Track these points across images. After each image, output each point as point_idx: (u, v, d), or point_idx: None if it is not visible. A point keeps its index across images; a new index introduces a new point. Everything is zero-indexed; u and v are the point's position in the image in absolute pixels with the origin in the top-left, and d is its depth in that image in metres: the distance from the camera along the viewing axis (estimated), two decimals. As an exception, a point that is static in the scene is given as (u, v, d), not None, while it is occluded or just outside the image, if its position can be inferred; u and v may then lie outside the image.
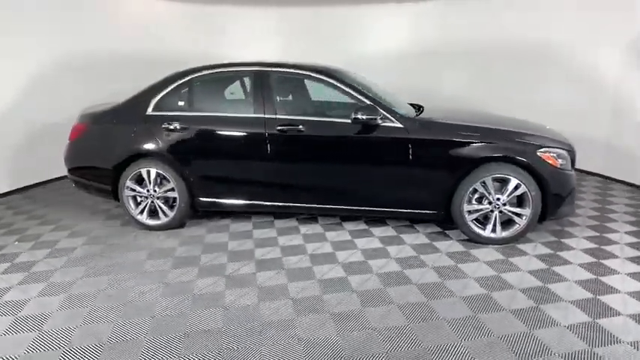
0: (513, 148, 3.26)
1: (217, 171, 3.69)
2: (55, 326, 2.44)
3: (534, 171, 3.22)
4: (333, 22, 7.12)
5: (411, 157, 3.34)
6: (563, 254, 3.23)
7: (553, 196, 3.26)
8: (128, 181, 3.75)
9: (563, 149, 3.34)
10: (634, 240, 3.45)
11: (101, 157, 3.82)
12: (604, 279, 2.86)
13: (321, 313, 2.54)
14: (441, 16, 6.79)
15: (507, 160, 3.25)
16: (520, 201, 3.32)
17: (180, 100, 3.81)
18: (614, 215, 4.00)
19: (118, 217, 4.18)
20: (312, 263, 3.17)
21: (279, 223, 3.91)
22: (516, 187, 3.25)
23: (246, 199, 3.73)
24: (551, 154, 3.25)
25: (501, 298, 2.65)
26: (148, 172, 3.72)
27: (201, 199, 3.76)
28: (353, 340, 2.28)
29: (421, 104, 4.05)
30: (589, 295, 2.68)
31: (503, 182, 3.29)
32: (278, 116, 3.54)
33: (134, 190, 3.77)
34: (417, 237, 3.58)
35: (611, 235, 3.54)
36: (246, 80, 3.81)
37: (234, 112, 3.75)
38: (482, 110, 4.41)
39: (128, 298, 2.73)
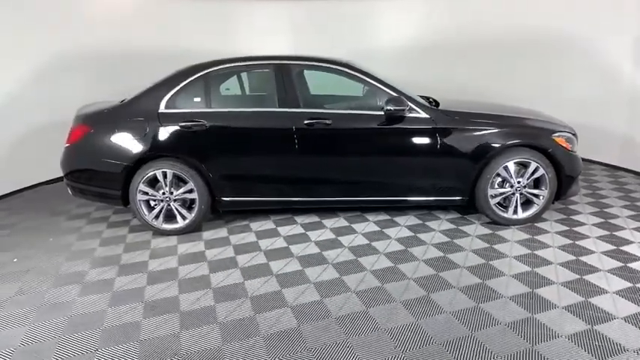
0: (532, 133, 3.49)
1: (242, 169, 3.56)
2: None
3: (550, 154, 3.47)
4: (343, 15, 7.02)
5: (439, 146, 3.45)
6: (579, 229, 3.52)
7: (566, 177, 3.54)
8: (141, 184, 3.51)
9: (570, 133, 3.63)
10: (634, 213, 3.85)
11: (109, 161, 3.53)
12: (623, 248, 3.17)
13: (391, 302, 2.57)
14: (451, 7, 6.60)
15: (526, 145, 3.47)
16: (536, 183, 3.56)
17: (197, 97, 3.62)
18: (612, 194, 4.42)
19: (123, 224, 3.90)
20: (355, 255, 3.17)
21: (301, 219, 3.85)
22: (535, 170, 3.48)
23: (272, 196, 3.64)
24: (564, 138, 3.53)
25: (548, 273, 2.84)
26: (164, 174, 3.50)
27: (223, 199, 3.61)
28: (435, 323, 2.34)
29: (430, 97, 4.18)
30: (619, 263, 2.95)
31: (523, 166, 3.51)
32: (305, 110, 3.50)
33: (147, 194, 3.54)
34: (442, 223, 3.71)
35: (611, 210, 3.91)
36: (267, 74, 3.69)
37: (258, 106, 3.64)
38: (490, 101, 4.55)
39: (183, 308, 2.58)
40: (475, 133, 3.48)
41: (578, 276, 2.80)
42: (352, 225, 3.71)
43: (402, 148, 3.51)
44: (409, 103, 3.44)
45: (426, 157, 3.50)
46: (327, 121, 3.44)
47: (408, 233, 3.52)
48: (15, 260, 3.28)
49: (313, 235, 3.55)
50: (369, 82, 3.54)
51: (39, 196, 4.83)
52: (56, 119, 4.80)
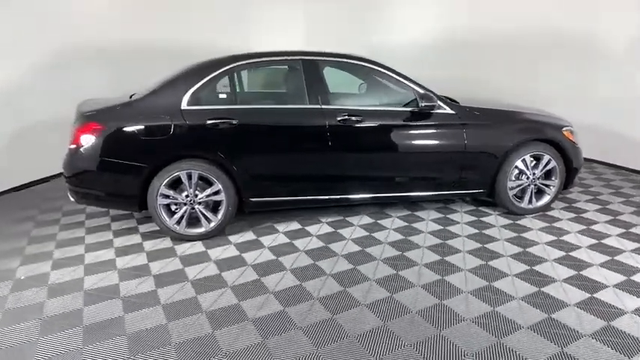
0: (546, 128, 3.73)
1: (273, 168, 3.42)
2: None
3: (561, 147, 3.74)
4: (355, 13, 6.97)
5: (465, 141, 3.57)
6: (586, 215, 3.84)
7: (573, 168, 3.84)
8: (162, 187, 3.24)
9: (572, 128, 3.94)
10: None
11: (127, 162, 3.22)
12: (633, 229, 3.51)
13: (461, 293, 2.63)
14: (468, 5, 6.56)
15: (540, 139, 3.71)
16: (547, 174, 3.81)
17: (222, 92, 3.42)
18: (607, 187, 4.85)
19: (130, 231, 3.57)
20: (399, 250, 3.19)
21: (324, 218, 3.79)
22: (547, 162, 3.74)
23: (303, 195, 3.54)
24: (570, 132, 3.82)
25: (581, 255, 3.07)
26: (189, 175, 3.27)
27: (252, 199, 3.44)
28: (509, 310, 2.43)
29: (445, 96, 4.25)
30: (636, 244, 3.27)
31: (535, 159, 3.75)
32: (337, 106, 3.44)
33: (168, 197, 3.28)
34: (463, 216, 3.84)
35: (602, 197, 4.31)
36: (295, 69, 3.58)
37: (286, 103, 3.51)
38: (494, 98, 4.69)
39: (251, 315, 2.42)
40: (496, 129, 3.65)
41: (609, 257, 3.05)
42: (379, 222, 3.72)
43: (431, 144, 3.59)
44: (437, 100, 3.54)
45: (454, 151, 3.60)
46: (359, 118, 3.42)
47: (436, 227, 3.61)
48: (22, 278, 2.88)
49: (345, 232, 3.51)
50: (397, 79, 3.57)
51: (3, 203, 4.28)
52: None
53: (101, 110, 3.28)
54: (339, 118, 3.39)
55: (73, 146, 3.22)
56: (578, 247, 3.21)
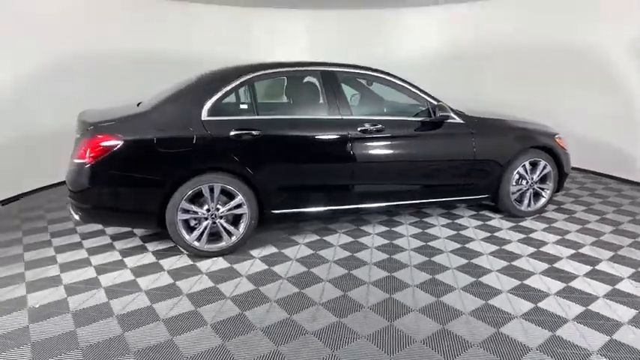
0: (543, 136, 4.02)
1: (297, 179, 3.38)
2: None
3: (554, 153, 4.04)
4: (360, 25, 6.99)
5: (474, 149, 3.76)
6: (578, 215, 4.17)
7: (564, 173, 4.16)
8: (183, 201, 3.09)
9: (561, 135, 4.27)
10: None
11: (147, 177, 3.05)
12: (622, 226, 3.86)
13: (500, 294, 2.74)
14: (475, 18, 6.64)
15: (538, 146, 3.98)
16: (542, 179, 4.09)
17: (242, 103, 3.34)
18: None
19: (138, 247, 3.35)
20: (426, 256, 3.27)
21: (337, 228, 3.80)
22: (544, 168, 4.02)
23: (324, 206, 3.52)
24: (561, 139, 4.14)
25: (591, 252, 3.32)
26: (211, 188, 3.15)
27: (273, 211, 3.37)
28: (549, 305, 2.58)
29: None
30: (630, 239, 3.60)
31: (533, 165, 4.02)
32: (357, 117, 3.49)
33: (188, 212, 3.13)
34: (468, 221, 4.01)
35: (582, 198, 4.70)
36: (314, 80, 3.57)
37: (309, 114, 3.50)
38: (491, 109, 4.75)
39: (310, 329, 2.37)
40: (501, 138, 3.89)
41: (613, 252, 3.34)
42: (394, 229, 3.79)
43: (445, 152, 3.73)
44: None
45: (465, 159, 3.77)
46: (379, 127, 3.49)
47: (450, 232, 3.74)
48: (37, 306, 2.60)
49: (366, 240, 3.55)
50: (411, 90, 3.69)
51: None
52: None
53: (115, 121, 3.08)
54: (359, 129, 3.43)
55: (81, 160, 2.98)
56: (582, 246, 3.47)
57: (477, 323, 2.41)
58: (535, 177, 4.02)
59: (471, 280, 2.90)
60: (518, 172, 3.95)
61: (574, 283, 2.86)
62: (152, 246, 3.45)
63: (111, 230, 3.73)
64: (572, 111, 5.71)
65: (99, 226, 3.79)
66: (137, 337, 2.29)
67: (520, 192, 4.03)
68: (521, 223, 3.95)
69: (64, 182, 3.43)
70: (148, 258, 3.25)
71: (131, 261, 3.20)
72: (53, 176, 5.01)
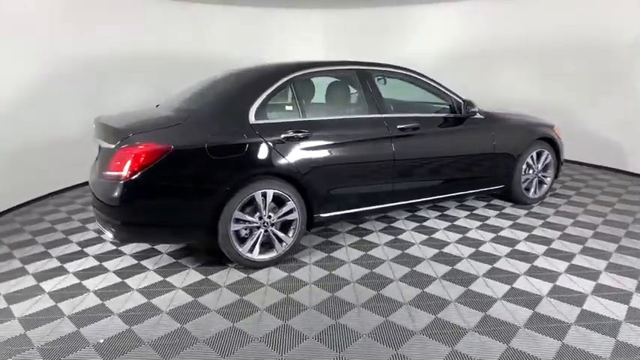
0: (545, 129, 4.35)
1: (345, 181, 3.31)
2: None
3: (554, 143, 4.40)
4: (376, 23, 6.88)
5: (494, 141, 3.97)
6: (576, 198, 4.58)
7: (561, 161, 4.55)
8: (236, 210, 2.91)
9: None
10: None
11: (200, 187, 2.82)
12: (616, 205, 4.32)
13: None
14: (490, 14, 6.54)
15: (542, 138, 4.30)
16: (544, 168, 4.44)
17: (286, 104, 3.21)
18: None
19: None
20: (470, 246, 3.40)
21: (369, 226, 3.81)
22: (547, 157, 4.37)
23: (367, 206, 3.50)
24: (557, 130, 4.52)
25: (610, 231, 3.68)
26: (264, 195, 3.00)
27: (322, 215, 3.29)
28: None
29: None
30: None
31: (537, 155, 4.34)
32: (394, 115, 3.53)
33: (241, 222, 2.96)
34: (486, 211, 4.23)
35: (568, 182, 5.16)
36: (351, 80, 3.52)
37: (351, 113, 3.45)
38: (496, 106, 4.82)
39: (415, 327, 2.36)
40: (515, 132, 4.15)
41: (624, 230, 3.73)
42: (424, 224, 3.89)
43: (472, 146, 3.89)
44: (473, 106, 3.87)
45: (487, 152, 3.96)
46: (416, 125, 3.55)
47: (477, 223, 3.91)
48: (101, 341, 2.30)
49: (406, 237, 3.60)
50: (437, 87, 3.80)
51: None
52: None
53: (160, 127, 2.82)
54: (399, 127, 3.47)
55: (121, 171, 2.68)
56: (594, 227, 3.82)
57: (511, 306, 2.58)
58: (540, 166, 4.35)
59: (528, 266, 3.08)
60: (527, 163, 4.25)
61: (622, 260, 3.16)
62: (189, 261, 3.20)
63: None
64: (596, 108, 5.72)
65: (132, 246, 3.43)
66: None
67: (528, 181, 4.33)
68: (532, 210, 4.25)
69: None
70: (233, 274, 3.01)
71: (220, 278, 2.95)
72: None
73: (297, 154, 3.07)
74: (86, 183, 5.35)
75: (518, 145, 4.13)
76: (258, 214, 3.01)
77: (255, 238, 3.02)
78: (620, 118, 5.54)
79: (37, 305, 2.63)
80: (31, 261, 3.24)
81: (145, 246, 3.47)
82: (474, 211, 4.20)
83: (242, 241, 3.01)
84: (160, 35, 5.94)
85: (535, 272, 2.98)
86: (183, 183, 2.79)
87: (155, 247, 3.45)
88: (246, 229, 3.03)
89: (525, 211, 4.21)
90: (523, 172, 4.26)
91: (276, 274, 3.03)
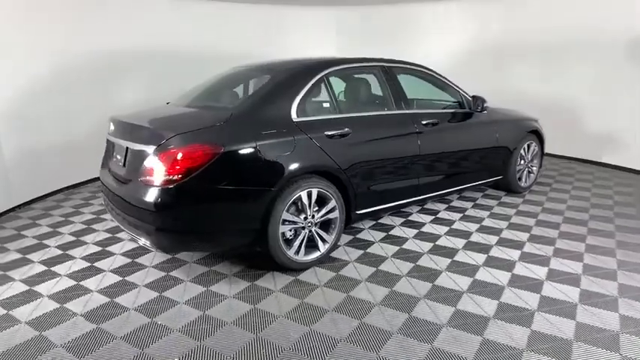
0: (533, 122, 4.69)
1: (381, 177, 3.34)
2: None
3: (539, 135, 4.78)
4: (389, 21, 6.82)
5: (497, 134, 4.22)
6: (558, 185, 5.00)
7: (544, 152, 4.94)
8: (284, 212, 2.82)
9: (538, 119, 5.03)
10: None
11: (252, 188, 2.69)
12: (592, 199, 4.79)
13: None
14: (503, 12, 6.51)
15: (531, 131, 4.65)
16: (531, 158, 4.80)
17: (323, 101, 3.15)
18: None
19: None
20: (492, 234, 3.59)
21: (389, 219, 3.88)
22: (535, 149, 4.73)
23: (397, 200, 3.55)
24: (539, 124, 4.90)
25: (599, 213, 4.08)
26: (309, 194, 2.93)
27: (358, 212, 3.29)
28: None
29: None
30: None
31: (527, 147, 4.68)
32: (418, 111, 3.64)
33: (286, 222, 2.87)
34: (486, 200, 4.49)
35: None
36: (378, 76, 3.51)
37: (381, 109, 3.47)
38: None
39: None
40: (512, 126, 4.44)
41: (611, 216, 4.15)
42: (438, 216, 4.03)
43: (480, 139, 4.10)
44: (480, 102, 4.08)
45: (491, 146, 4.19)
46: (437, 120, 3.67)
47: (485, 213, 4.14)
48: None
49: (434, 229, 3.71)
50: (449, 84, 3.96)
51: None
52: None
53: (208, 126, 2.64)
54: (423, 122, 3.56)
55: (167, 176, 2.48)
56: (586, 210, 4.22)
57: (522, 292, 2.81)
58: (529, 157, 4.70)
59: (552, 249, 3.32)
60: (520, 154, 4.57)
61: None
62: (223, 268, 3.03)
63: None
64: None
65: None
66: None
67: (520, 171, 4.66)
68: (527, 197, 4.58)
69: None
70: (279, 278, 2.86)
71: (268, 283, 2.78)
72: None
73: (339, 150, 3.04)
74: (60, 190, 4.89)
75: (515, 137, 4.43)
76: (303, 214, 2.93)
77: (300, 239, 2.94)
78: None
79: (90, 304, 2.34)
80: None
81: (166, 255, 3.23)
82: (477, 201, 4.44)
83: (286, 242, 2.92)
84: (162, 33, 5.93)
85: (560, 254, 3.23)
86: (236, 185, 2.64)
87: (177, 255, 3.23)
88: (290, 231, 2.94)
89: (521, 199, 4.52)
90: (517, 164, 4.58)
91: (324, 274, 2.97)
